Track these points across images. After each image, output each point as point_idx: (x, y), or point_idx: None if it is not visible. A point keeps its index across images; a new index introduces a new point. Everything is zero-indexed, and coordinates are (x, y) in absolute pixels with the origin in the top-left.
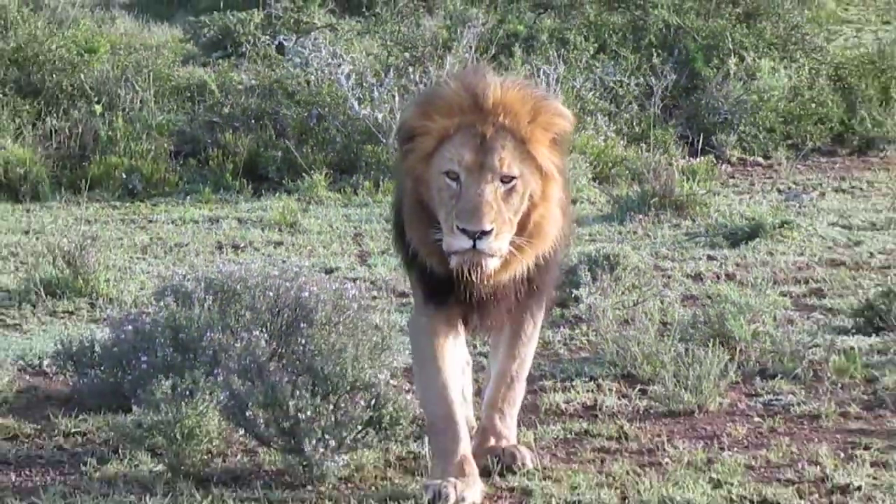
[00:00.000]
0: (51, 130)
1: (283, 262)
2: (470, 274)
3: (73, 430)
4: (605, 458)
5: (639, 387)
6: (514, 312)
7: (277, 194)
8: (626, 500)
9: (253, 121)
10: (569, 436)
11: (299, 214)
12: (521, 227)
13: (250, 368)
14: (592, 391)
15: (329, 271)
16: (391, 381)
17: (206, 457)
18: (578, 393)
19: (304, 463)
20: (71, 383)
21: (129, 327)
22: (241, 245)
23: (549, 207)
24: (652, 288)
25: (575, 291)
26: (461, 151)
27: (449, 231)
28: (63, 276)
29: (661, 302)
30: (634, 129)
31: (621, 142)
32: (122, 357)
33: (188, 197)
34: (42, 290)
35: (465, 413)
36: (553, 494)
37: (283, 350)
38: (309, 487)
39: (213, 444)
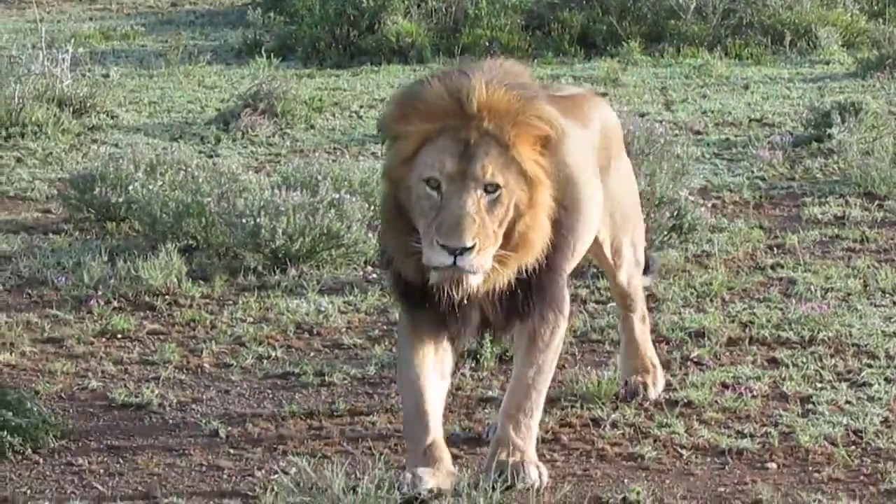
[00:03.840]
0: (431, 9)
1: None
2: (450, 291)
3: None
4: (851, 255)
5: (877, 202)
6: (527, 319)
7: (603, 57)
8: (867, 288)
9: (584, 1)
10: (823, 238)
11: (619, 73)
12: (506, 238)
13: None
14: (841, 205)
15: (642, 115)
16: (689, 197)
17: None
18: (831, 206)
19: None
20: None
21: None
22: None
23: (537, 216)
24: (887, 127)
25: (828, 130)
26: (443, 158)
27: (429, 244)
28: None
29: (894, 137)
30: (874, 7)
31: (863, 17)
32: None
33: (535, 60)
34: None
35: (439, 407)
36: (811, 283)
37: None
38: None
39: None
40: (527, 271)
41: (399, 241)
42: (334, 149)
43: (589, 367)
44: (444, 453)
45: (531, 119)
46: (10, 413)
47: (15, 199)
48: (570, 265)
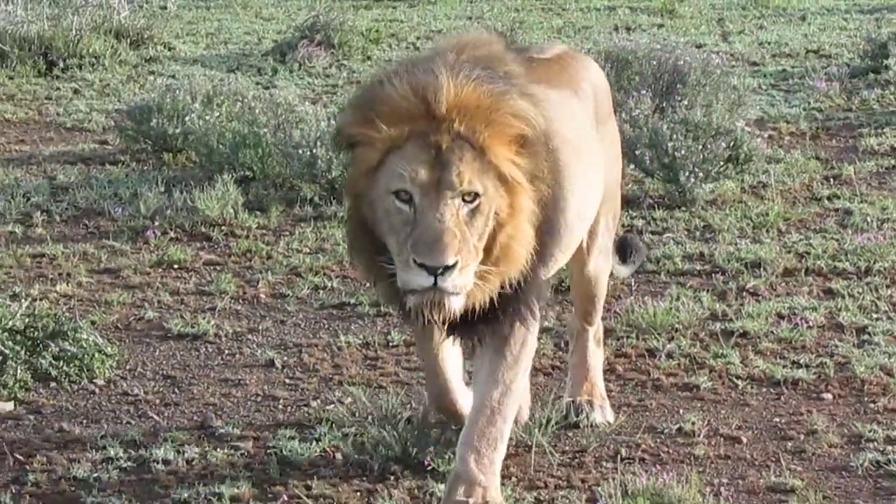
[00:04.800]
0: None
1: (664, 39)
2: (431, 315)
3: None
4: None
5: None
6: (496, 330)
7: None
8: None
9: None
10: (880, 170)
11: (676, 3)
12: (486, 252)
13: (639, 118)
14: None
15: (699, 46)
16: (746, 128)
17: None
18: (888, 137)
19: (679, 190)
20: None
21: None
22: (632, 27)
23: (519, 224)
24: None
25: (885, 61)
26: (414, 167)
27: (404, 265)
28: None
29: None
30: None
31: None
32: None
33: None
34: None
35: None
36: (868, 214)
37: (664, 104)
38: (682, 208)
39: None
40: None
41: (367, 260)
42: None
43: (645, 298)
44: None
45: (505, 117)
46: (67, 343)
47: (72, 131)
48: (555, 263)
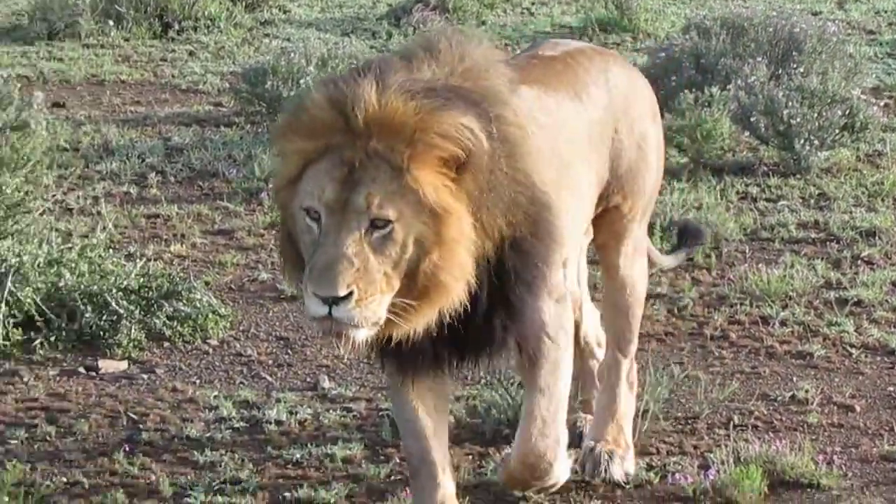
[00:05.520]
0: None
1: (780, 6)
2: (336, 346)
3: None
4: None
5: None
6: (511, 346)
7: None
8: None
9: None
10: None
11: None
12: (411, 280)
13: (754, 85)
14: None
15: (814, 14)
16: (862, 96)
17: (719, 152)
18: None
19: (794, 158)
20: None
21: (663, 54)
22: None
23: (450, 252)
24: None
25: None
26: (323, 184)
27: (304, 289)
28: (612, 16)
29: None
30: None
31: None
32: (656, 77)
33: None
34: (596, 27)
35: (445, 452)
36: None
37: (780, 72)
38: (797, 176)
39: (725, 142)
40: (493, 304)
41: (294, 276)
42: (505, 45)
43: (759, 265)
44: None
45: (431, 137)
46: (181, 303)
47: (187, 92)
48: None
